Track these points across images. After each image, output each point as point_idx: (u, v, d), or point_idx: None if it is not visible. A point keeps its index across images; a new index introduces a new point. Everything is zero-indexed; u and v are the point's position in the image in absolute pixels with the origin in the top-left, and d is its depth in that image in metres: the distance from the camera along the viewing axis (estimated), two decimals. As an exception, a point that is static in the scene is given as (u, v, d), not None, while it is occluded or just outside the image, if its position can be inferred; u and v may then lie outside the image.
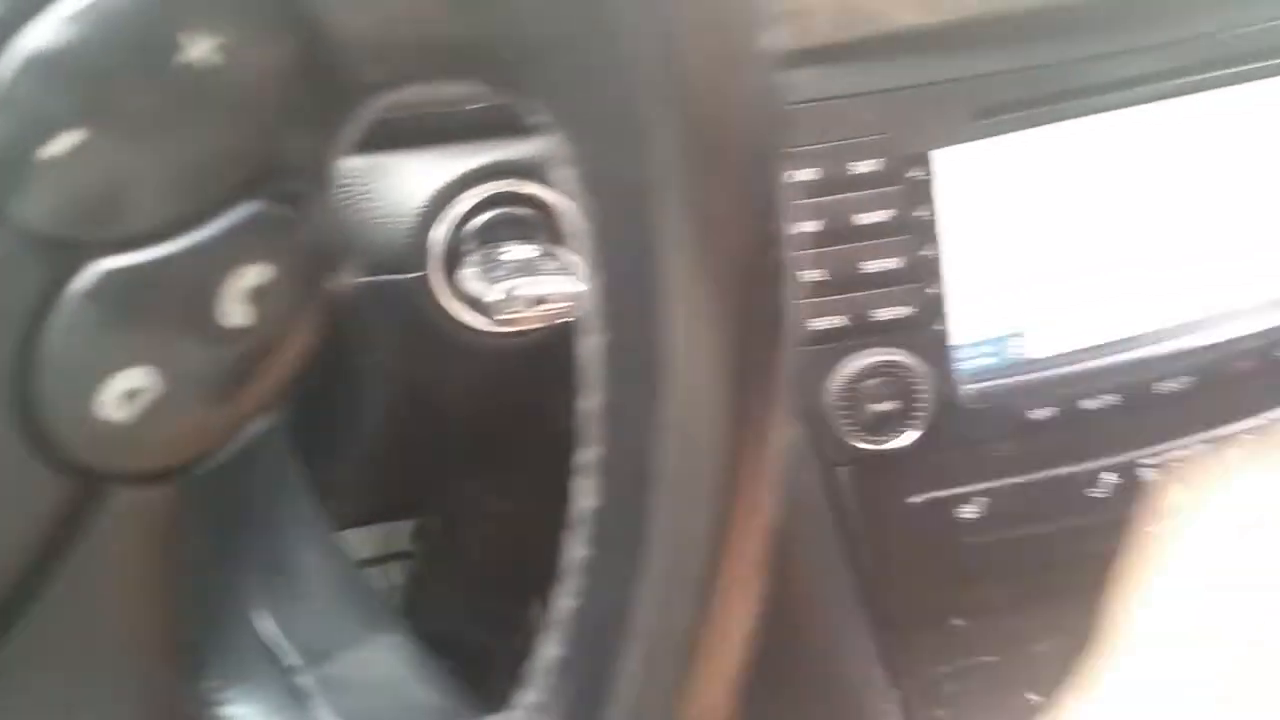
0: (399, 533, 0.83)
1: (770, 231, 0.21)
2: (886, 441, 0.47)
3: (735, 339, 0.22)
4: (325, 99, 0.21)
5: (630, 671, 0.23)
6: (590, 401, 0.22)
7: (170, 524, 0.24)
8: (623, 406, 0.22)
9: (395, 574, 0.85)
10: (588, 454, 0.22)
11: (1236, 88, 0.46)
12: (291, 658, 0.29)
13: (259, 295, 0.21)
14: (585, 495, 0.23)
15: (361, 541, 0.84)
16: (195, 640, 0.28)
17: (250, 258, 0.20)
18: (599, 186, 0.20)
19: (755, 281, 0.22)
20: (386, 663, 0.31)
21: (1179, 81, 0.45)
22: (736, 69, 0.20)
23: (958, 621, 0.53)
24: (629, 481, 0.22)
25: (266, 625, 0.29)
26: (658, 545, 0.22)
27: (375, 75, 0.21)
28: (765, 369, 0.22)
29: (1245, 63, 0.46)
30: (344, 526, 0.82)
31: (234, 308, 0.20)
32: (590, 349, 0.22)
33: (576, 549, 0.23)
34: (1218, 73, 0.46)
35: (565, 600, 0.23)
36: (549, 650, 0.24)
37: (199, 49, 0.18)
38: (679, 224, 0.20)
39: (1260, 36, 0.45)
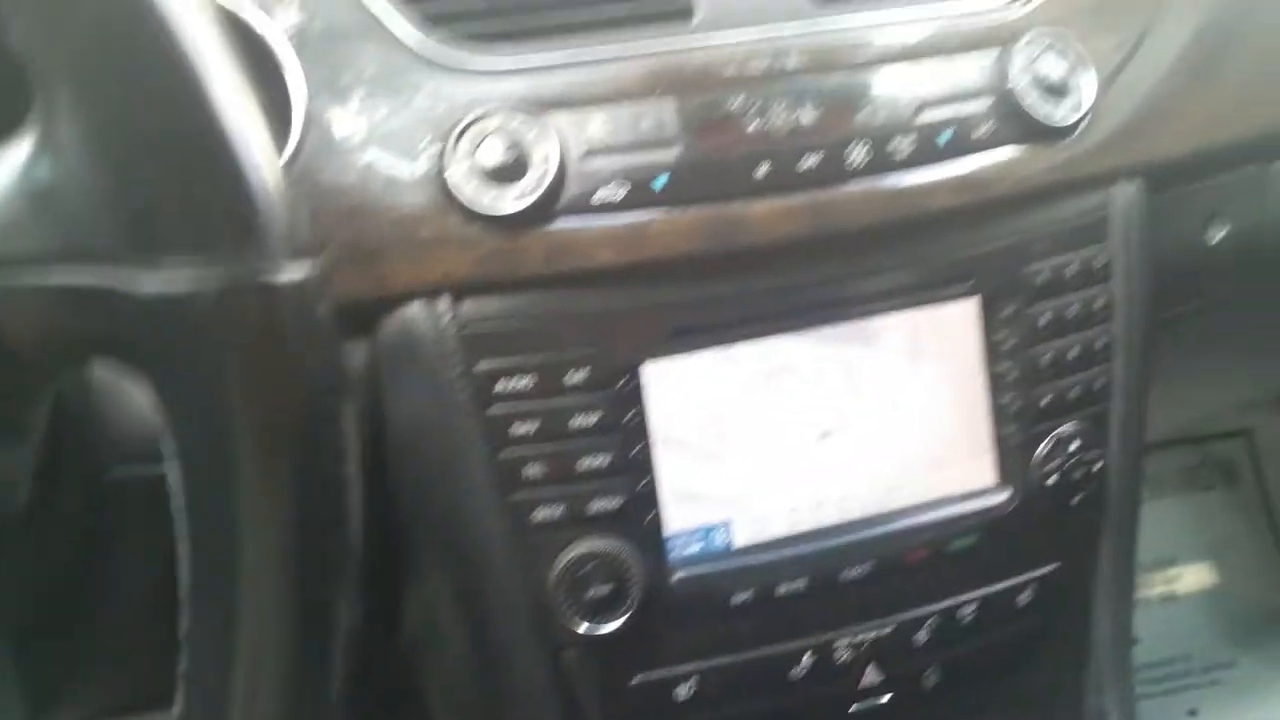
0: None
1: (328, 475, 0.28)
2: (604, 625, 0.52)
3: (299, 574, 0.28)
4: (10, 378, 0.28)
5: None
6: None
7: None
8: (201, 621, 0.28)
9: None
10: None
11: (899, 313, 0.55)
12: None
13: None
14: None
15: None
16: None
17: None
18: (185, 447, 0.27)
19: (319, 527, 0.28)
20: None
21: (841, 309, 0.54)
22: (298, 387, 0.27)
23: None
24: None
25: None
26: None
27: (43, 362, 0.28)
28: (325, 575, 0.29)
29: (904, 294, 0.55)
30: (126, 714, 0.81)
31: None
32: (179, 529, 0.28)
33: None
34: (881, 302, 0.55)
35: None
36: None
37: None
38: (249, 473, 0.27)
39: (907, 272, 0.54)
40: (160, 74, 0.25)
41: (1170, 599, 1.11)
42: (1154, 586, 1.10)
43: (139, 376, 0.28)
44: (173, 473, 0.28)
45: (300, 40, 0.50)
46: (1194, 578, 1.12)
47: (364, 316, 0.50)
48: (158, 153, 0.25)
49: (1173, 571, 1.12)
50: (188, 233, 0.25)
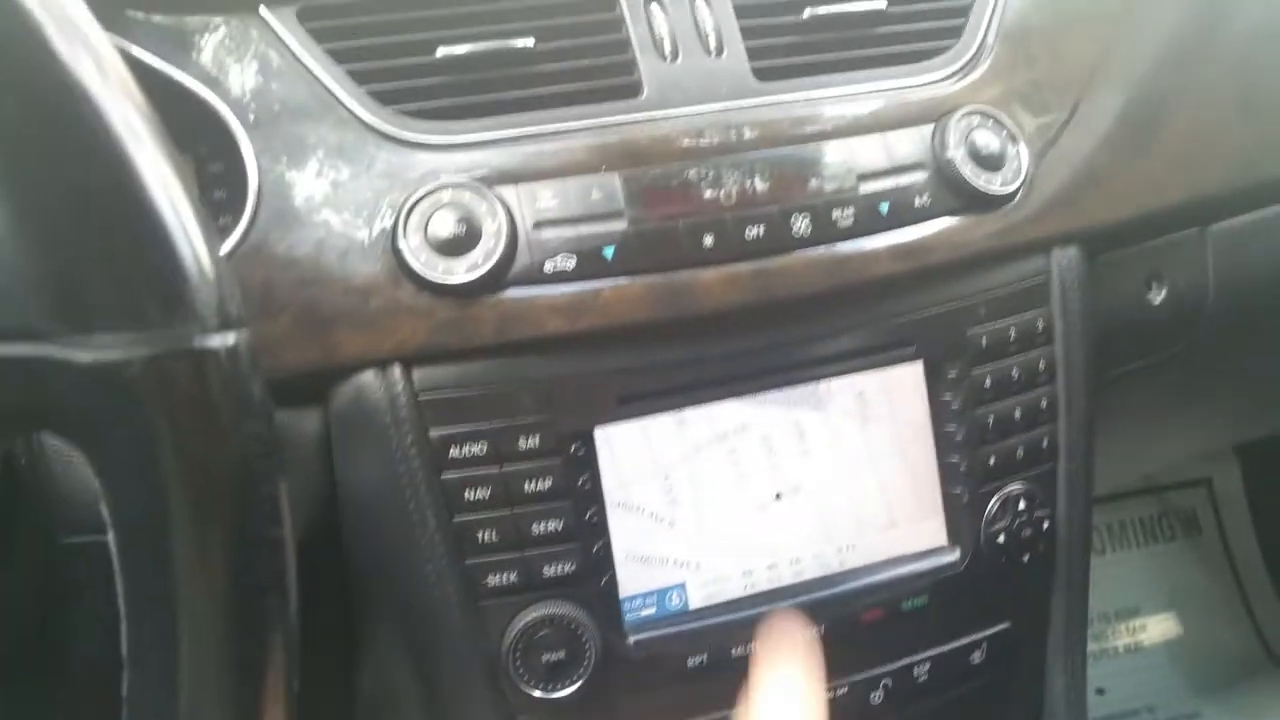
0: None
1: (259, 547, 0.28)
2: (558, 690, 0.52)
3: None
4: None
5: None
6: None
7: None
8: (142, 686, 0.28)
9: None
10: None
11: (847, 376, 0.56)
12: None
13: None
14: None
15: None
16: None
17: None
18: (120, 513, 0.28)
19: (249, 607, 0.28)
20: None
21: (789, 373, 0.55)
22: (227, 450, 0.28)
23: None
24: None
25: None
26: None
27: None
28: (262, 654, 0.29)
29: (850, 358, 0.56)
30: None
31: None
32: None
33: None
34: (828, 366, 0.56)
35: None
36: None
37: None
38: (182, 533, 0.27)
39: (852, 337, 0.56)
40: (84, 151, 0.26)
41: (1135, 649, 1.11)
42: (1118, 637, 1.11)
43: (73, 446, 0.28)
44: (111, 537, 0.28)
45: (256, 111, 0.51)
46: (1158, 628, 1.13)
47: (317, 384, 0.50)
48: (84, 229, 0.26)
49: (1137, 622, 1.13)
50: (116, 306, 0.26)
